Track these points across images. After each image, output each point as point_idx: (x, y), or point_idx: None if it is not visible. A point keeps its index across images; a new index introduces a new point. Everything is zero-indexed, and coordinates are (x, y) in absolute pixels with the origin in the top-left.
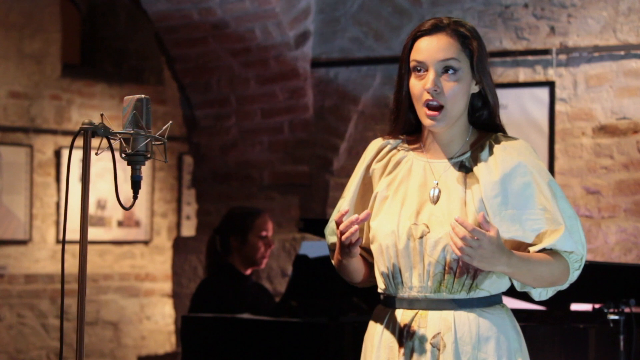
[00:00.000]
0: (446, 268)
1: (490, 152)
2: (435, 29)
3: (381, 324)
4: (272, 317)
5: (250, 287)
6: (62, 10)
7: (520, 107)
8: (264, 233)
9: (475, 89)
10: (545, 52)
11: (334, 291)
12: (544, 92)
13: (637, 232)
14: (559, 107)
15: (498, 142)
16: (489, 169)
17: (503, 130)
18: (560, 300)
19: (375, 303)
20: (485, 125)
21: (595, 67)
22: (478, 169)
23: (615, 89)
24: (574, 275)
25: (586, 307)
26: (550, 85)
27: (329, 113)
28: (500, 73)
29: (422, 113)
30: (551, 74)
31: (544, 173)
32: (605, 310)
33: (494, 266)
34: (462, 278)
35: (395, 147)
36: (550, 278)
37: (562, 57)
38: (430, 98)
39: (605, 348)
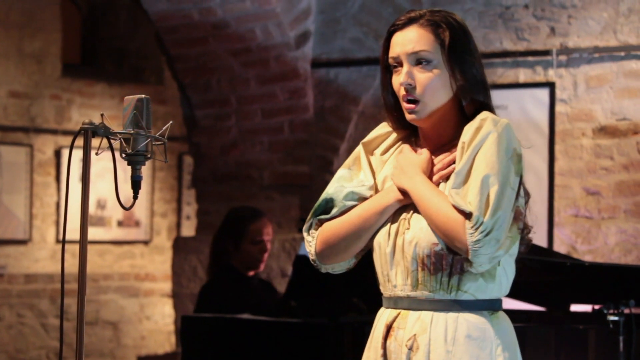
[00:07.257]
0: (420, 265)
1: (464, 138)
2: (408, 21)
3: (375, 323)
4: (272, 318)
5: (254, 287)
6: (63, 10)
7: (520, 108)
8: (258, 238)
9: (460, 79)
10: (546, 53)
11: (333, 291)
12: (544, 93)
13: (637, 233)
14: (559, 108)
15: (470, 127)
16: (460, 157)
17: (490, 110)
18: (560, 301)
19: (375, 304)
20: (474, 112)
21: (596, 68)
22: (457, 158)
23: (615, 90)
24: (474, 241)
25: (586, 308)
26: (551, 86)
27: (329, 113)
28: (501, 74)
29: (404, 108)
30: (551, 74)
31: (491, 158)
32: (605, 311)
33: (400, 179)
34: (438, 275)
35: (399, 140)
36: (441, 222)
37: (563, 57)
38: (406, 93)
39: (605, 349)
